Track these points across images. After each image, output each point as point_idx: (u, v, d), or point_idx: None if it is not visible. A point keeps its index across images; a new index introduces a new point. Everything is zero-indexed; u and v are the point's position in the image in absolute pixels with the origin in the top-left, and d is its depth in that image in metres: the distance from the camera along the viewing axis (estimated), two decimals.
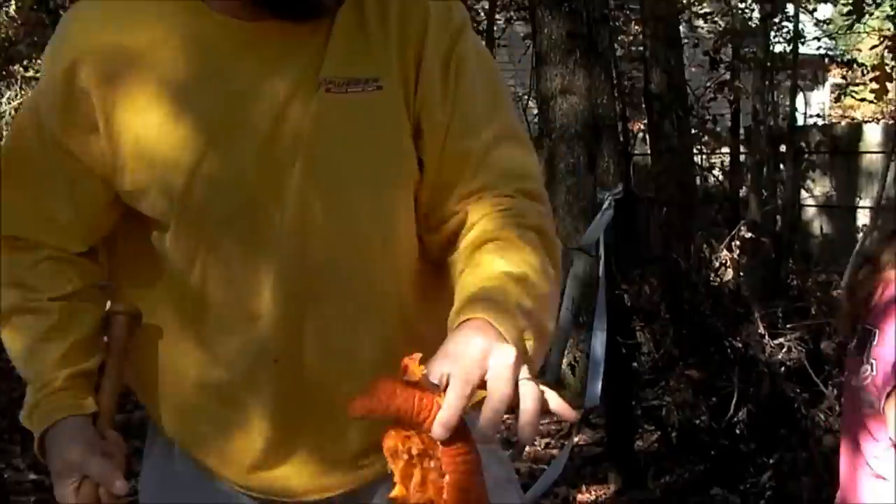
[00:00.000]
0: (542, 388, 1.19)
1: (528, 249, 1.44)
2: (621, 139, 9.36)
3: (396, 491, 1.11)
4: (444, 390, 1.12)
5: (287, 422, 1.57)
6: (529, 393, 1.16)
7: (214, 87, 1.47)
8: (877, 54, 8.37)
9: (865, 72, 9.32)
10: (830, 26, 11.51)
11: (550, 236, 1.54)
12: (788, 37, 8.96)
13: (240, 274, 1.52)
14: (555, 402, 1.21)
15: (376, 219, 1.54)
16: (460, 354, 1.18)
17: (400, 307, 1.60)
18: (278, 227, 1.49)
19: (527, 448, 5.28)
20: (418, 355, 1.14)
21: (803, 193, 10.67)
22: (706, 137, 9.84)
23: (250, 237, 1.50)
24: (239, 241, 1.51)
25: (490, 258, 1.42)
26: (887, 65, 7.83)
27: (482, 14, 11.37)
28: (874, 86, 7.95)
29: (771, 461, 4.29)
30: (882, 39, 7.97)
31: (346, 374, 1.55)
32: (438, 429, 1.10)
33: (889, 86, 9.10)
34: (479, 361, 1.16)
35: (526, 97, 11.59)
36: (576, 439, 5.45)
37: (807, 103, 13.30)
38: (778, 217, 8.43)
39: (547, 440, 5.69)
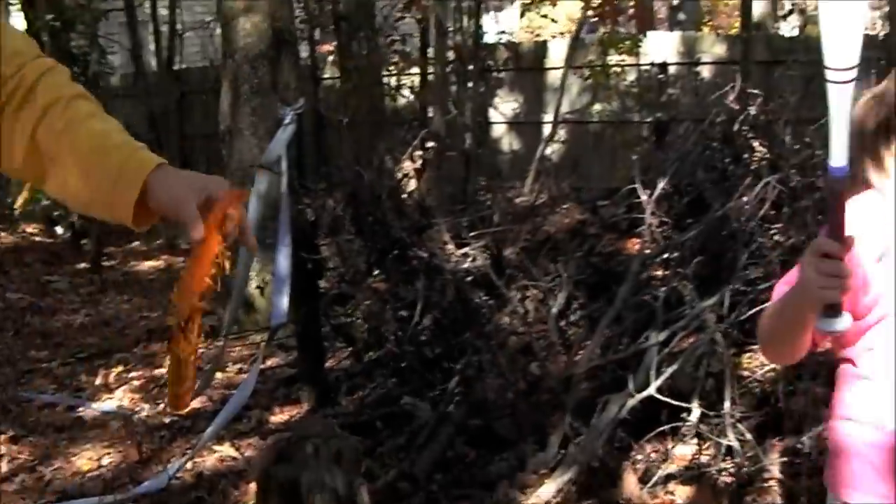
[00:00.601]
0: None
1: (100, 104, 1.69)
2: (309, 62, 9.26)
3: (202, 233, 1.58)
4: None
5: None
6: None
7: None
8: None
9: None
10: None
11: None
12: None
13: None
14: None
15: None
16: (220, 188, 1.62)
17: None
18: None
19: (217, 374, 5.17)
20: (238, 209, 1.64)
21: (493, 111, 10.90)
22: (395, 57, 9.83)
23: None
24: None
25: (94, 115, 1.64)
26: None
27: None
28: None
29: (458, 366, 4.33)
30: None
31: None
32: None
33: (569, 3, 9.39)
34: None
35: (212, 22, 11.30)
36: (269, 362, 5.38)
37: (496, 21, 13.56)
38: (467, 134, 8.54)
39: (239, 366, 5.59)
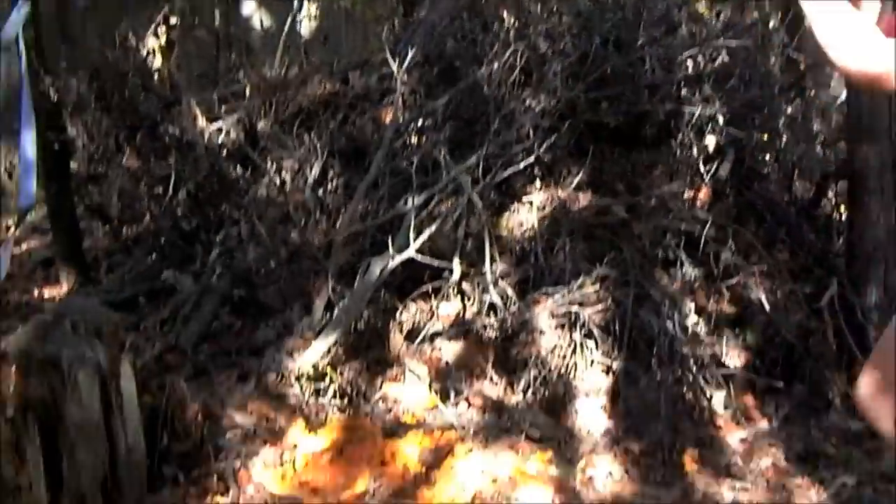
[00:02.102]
0: None
1: None
2: None
3: None
4: None
5: None
6: None
7: None
8: None
9: None
10: None
11: None
12: None
13: None
14: None
15: None
16: None
17: None
18: None
19: None
20: None
21: None
22: None
23: None
24: None
25: None
26: None
27: None
28: None
29: (218, 238, 4.33)
30: None
31: None
32: None
33: None
34: None
35: None
36: (24, 246, 5.25)
37: None
38: (216, 11, 8.37)
39: None
